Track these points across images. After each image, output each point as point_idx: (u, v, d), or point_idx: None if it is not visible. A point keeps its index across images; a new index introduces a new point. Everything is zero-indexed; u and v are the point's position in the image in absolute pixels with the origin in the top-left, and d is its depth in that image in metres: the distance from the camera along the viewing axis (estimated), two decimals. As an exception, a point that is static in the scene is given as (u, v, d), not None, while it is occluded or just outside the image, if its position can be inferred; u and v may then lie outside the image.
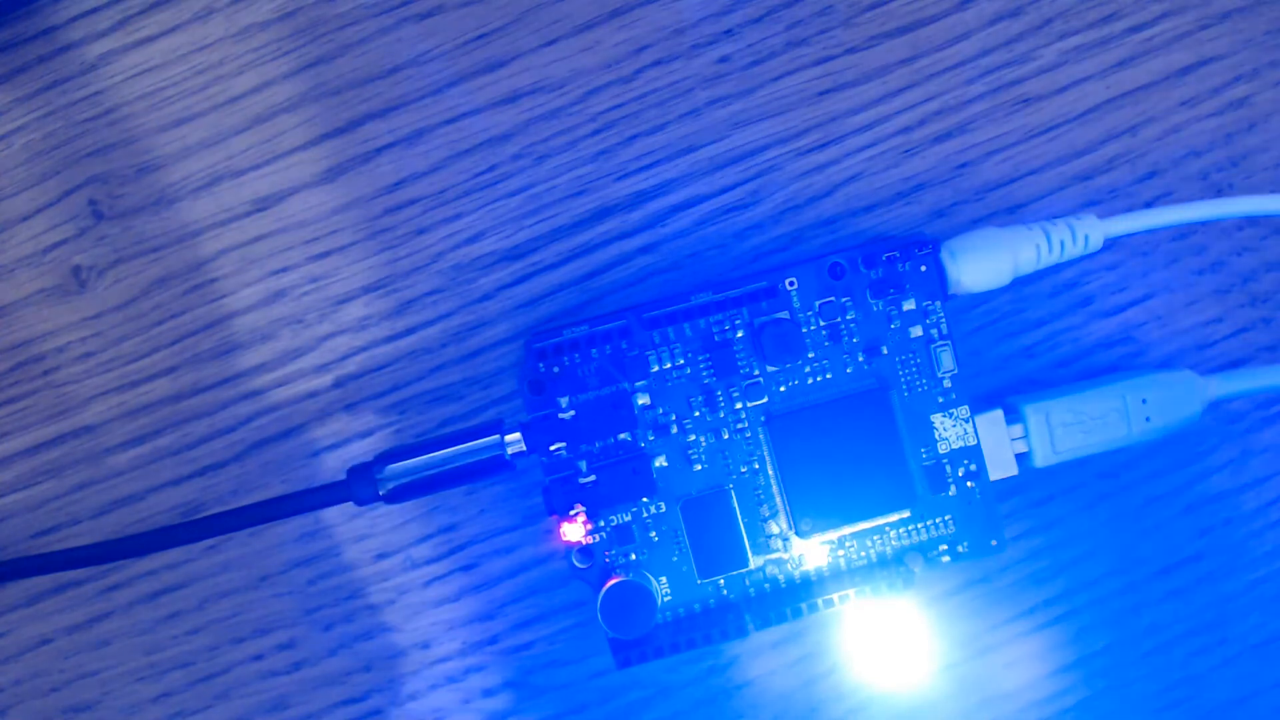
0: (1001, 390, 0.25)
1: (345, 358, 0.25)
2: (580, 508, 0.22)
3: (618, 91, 0.24)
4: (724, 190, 0.24)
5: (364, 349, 0.25)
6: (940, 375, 0.23)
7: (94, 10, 0.23)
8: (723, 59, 0.24)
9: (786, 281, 0.22)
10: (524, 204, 0.24)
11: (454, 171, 0.24)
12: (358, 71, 0.24)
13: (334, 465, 0.25)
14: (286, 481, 0.25)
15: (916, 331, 0.23)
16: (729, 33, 0.24)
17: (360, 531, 0.25)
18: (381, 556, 0.25)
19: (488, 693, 0.25)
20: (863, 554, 0.23)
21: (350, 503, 0.22)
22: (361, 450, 0.25)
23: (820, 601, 0.22)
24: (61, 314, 0.24)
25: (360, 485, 0.22)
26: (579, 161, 0.24)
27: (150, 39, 0.24)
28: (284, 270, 0.24)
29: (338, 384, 0.25)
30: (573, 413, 0.22)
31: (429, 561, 0.25)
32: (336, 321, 0.24)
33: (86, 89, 0.24)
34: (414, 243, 0.24)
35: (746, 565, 0.23)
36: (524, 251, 0.24)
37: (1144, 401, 0.22)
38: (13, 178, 0.24)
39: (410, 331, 0.25)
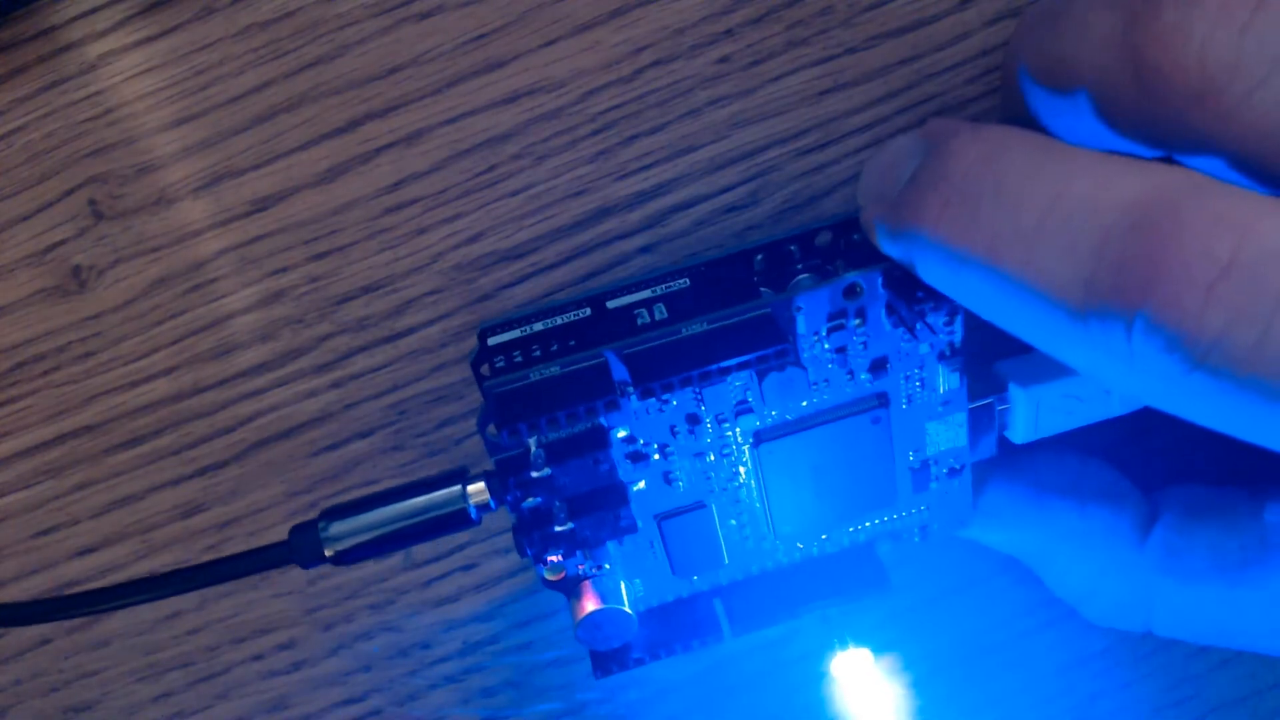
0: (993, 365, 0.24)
1: (345, 358, 0.25)
2: (557, 554, 0.20)
3: (618, 91, 0.24)
4: (724, 190, 0.24)
5: (364, 349, 0.25)
6: (943, 390, 0.22)
7: (94, 10, 0.23)
8: (723, 59, 0.24)
9: (794, 306, 0.20)
10: (524, 204, 0.24)
11: (454, 171, 0.24)
12: (358, 71, 0.24)
13: (333, 464, 0.25)
14: (286, 481, 0.25)
15: (925, 349, 0.21)
16: (729, 33, 0.24)
17: (360, 531, 0.25)
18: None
19: (487, 693, 0.25)
20: (839, 549, 0.23)
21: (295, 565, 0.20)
22: (361, 449, 0.25)
23: (800, 605, 0.22)
24: (61, 314, 0.24)
25: (304, 547, 0.20)
26: (579, 161, 0.24)
27: (150, 39, 0.24)
28: (284, 270, 0.24)
29: (337, 384, 0.25)
30: (547, 471, 0.20)
31: (429, 561, 0.25)
32: (336, 321, 0.24)
33: (86, 89, 0.24)
34: (414, 243, 0.24)
35: (723, 565, 0.22)
36: (524, 251, 0.24)
37: None
38: (13, 178, 0.24)
39: (410, 331, 0.25)
